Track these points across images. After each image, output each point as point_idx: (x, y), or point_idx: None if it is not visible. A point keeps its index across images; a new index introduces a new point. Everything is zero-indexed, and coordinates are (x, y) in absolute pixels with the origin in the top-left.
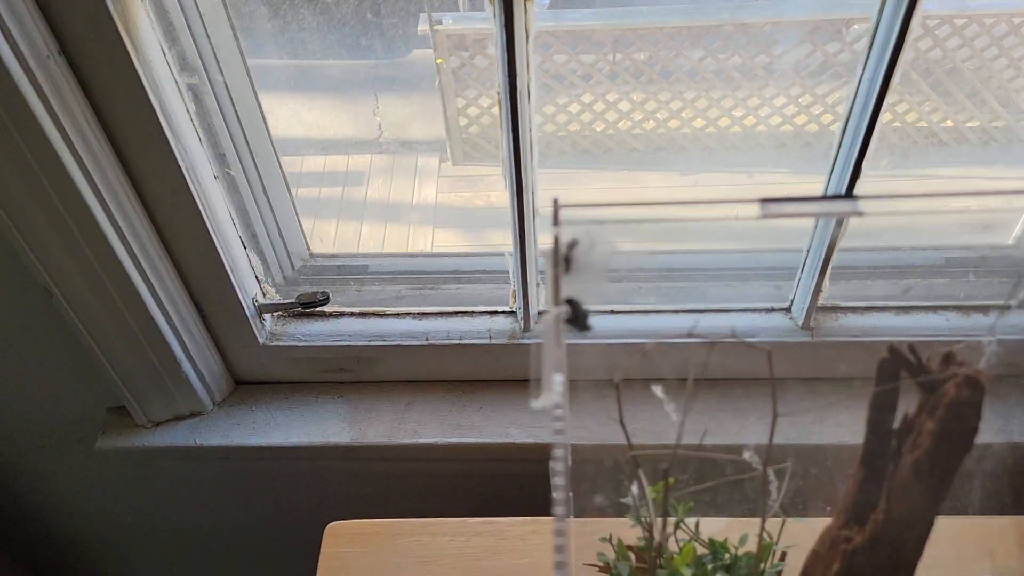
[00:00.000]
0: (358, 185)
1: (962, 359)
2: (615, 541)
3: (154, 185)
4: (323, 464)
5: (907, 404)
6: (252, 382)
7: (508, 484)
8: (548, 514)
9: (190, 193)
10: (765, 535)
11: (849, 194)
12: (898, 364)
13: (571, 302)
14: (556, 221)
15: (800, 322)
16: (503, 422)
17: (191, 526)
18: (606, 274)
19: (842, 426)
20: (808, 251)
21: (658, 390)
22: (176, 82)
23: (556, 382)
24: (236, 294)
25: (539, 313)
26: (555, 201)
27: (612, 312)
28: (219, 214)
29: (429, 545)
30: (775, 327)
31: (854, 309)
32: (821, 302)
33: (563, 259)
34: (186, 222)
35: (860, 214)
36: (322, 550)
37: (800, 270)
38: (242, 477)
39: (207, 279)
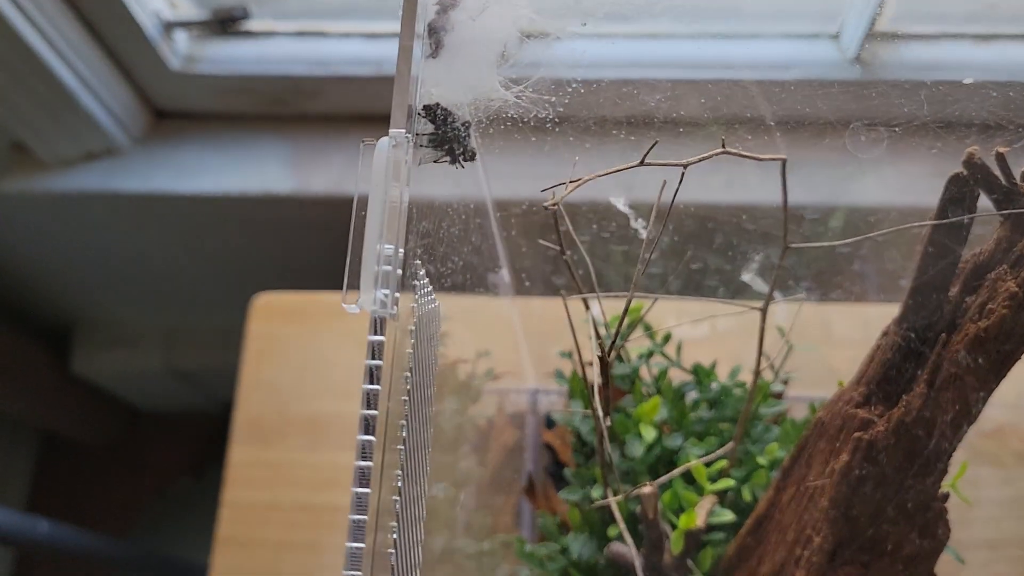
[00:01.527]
0: None
1: None
2: (573, 365)
3: None
4: (263, 214)
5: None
6: (175, 115)
7: None
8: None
9: None
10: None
11: None
12: (976, 183)
13: (432, 111)
14: None
15: (850, 53)
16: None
17: (126, 267)
18: (497, 63)
19: (886, 184)
20: None
21: (619, 202)
22: None
23: (383, 261)
24: (126, 7)
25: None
26: None
27: (610, 40)
28: None
29: None
30: (817, 59)
31: (920, 36)
32: (881, 27)
33: (428, 31)
34: None
35: None
36: (248, 328)
37: None
38: (169, 224)
39: None
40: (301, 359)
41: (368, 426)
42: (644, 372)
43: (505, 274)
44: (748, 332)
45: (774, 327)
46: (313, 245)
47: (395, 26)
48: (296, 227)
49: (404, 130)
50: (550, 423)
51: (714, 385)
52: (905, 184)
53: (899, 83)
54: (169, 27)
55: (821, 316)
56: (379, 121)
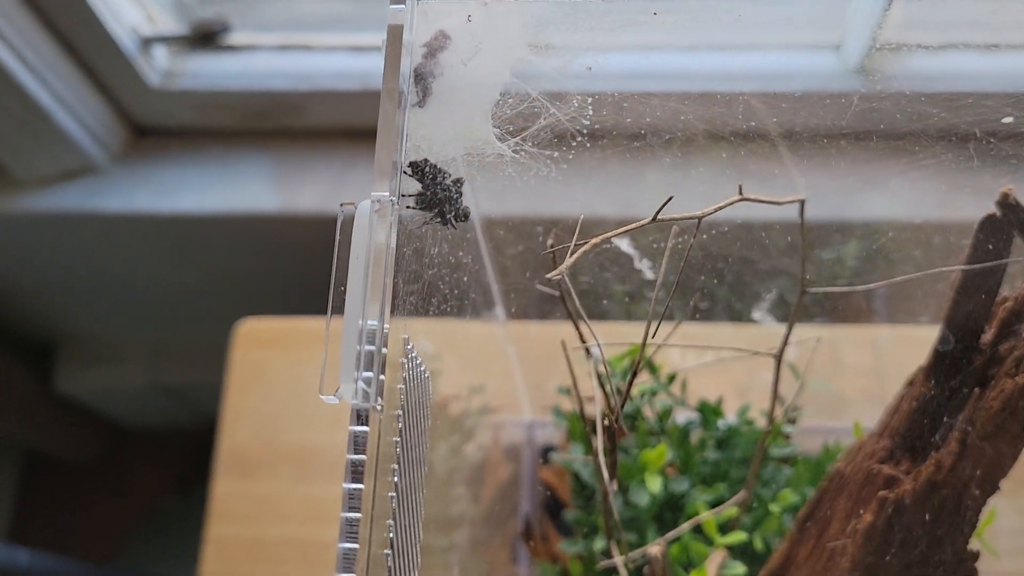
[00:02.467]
0: None
1: None
2: (572, 405)
3: None
4: (248, 233)
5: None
6: (156, 132)
7: None
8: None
9: None
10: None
11: None
12: (1011, 224)
13: (420, 168)
14: None
15: (853, 63)
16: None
17: (109, 284)
18: (492, 112)
19: (894, 197)
20: None
21: (623, 243)
22: None
23: (366, 341)
24: (101, 22)
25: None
26: None
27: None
28: None
29: None
30: (818, 70)
31: (925, 46)
32: (886, 37)
33: (414, 77)
34: None
35: None
36: (232, 355)
37: None
38: (151, 243)
39: (57, 2)
40: (287, 387)
41: (350, 530)
42: (647, 408)
43: (500, 311)
44: (754, 360)
45: (786, 362)
46: (300, 264)
47: (382, 38)
48: (282, 245)
49: (388, 192)
50: (546, 455)
51: (721, 422)
52: (915, 197)
53: (903, 94)
54: (147, 42)
55: (829, 340)
56: (366, 136)
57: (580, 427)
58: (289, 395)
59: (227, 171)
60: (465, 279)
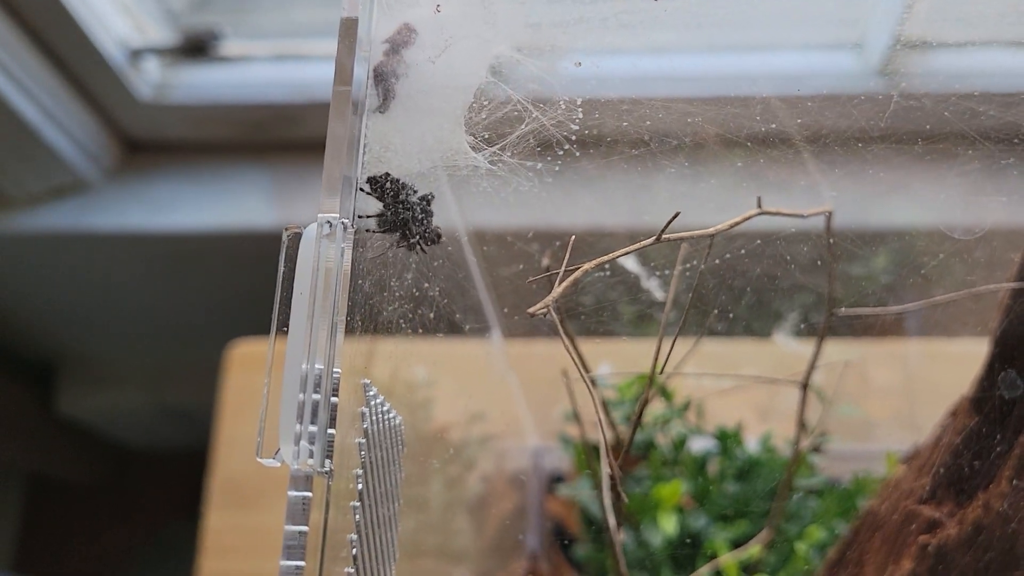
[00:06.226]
0: None
1: None
2: (579, 433)
3: None
4: (245, 250)
5: None
6: (149, 147)
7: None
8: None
9: None
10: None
11: None
12: None
13: (379, 184)
14: None
15: (875, 63)
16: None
17: (108, 304)
18: (465, 117)
19: (917, 202)
20: None
21: (628, 262)
22: None
23: (311, 389)
24: (88, 34)
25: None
26: None
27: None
28: None
29: None
30: (839, 71)
31: (949, 44)
32: (906, 34)
33: (374, 77)
34: None
35: None
36: (225, 379)
37: None
38: (146, 261)
39: (42, 15)
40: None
41: None
42: (661, 436)
43: (496, 333)
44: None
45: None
46: None
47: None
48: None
49: (338, 213)
50: (554, 483)
51: (740, 451)
52: (943, 202)
53: (927, 95)
54: (137, 54)
55: (857, 357)
56: None
57: (586, 458)
58: None
59: (223, 186)
60: (452, 300)
